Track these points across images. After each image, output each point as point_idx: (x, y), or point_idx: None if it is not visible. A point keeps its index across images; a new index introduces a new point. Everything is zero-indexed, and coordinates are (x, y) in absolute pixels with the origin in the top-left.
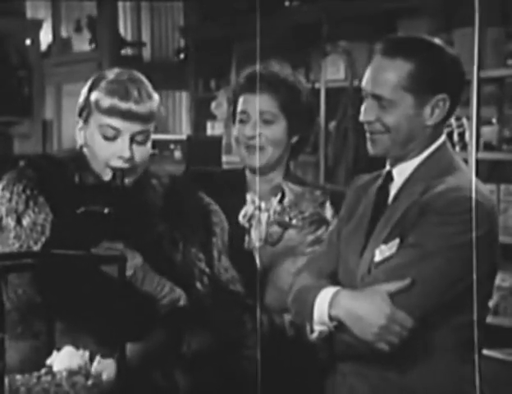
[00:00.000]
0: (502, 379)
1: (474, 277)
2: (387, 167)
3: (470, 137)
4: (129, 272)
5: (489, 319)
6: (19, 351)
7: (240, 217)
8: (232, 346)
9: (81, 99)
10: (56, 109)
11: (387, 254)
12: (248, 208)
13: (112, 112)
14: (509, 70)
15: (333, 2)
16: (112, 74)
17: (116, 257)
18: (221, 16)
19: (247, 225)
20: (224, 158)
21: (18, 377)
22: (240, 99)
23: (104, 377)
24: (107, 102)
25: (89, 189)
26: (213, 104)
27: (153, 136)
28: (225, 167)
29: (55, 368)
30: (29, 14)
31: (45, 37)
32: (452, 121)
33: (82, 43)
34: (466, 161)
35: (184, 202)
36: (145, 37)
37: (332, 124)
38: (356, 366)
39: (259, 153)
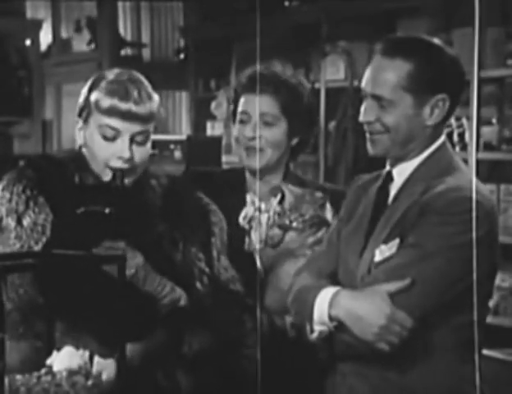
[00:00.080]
0: (502, 379)
1: (474, 277)
2: (387, 167)
3: (470, 137)
4: (130, 272)
5: (489, 319)
6: (19, 351)
7: (241, 219)
8: (232, 346)
9: (81, 99)
10: (56, 109)
11: (387, 254)
12: (248, 210)
13: (111, 112)
14: (509, 70)
15: (333, 2)
16: (111, 74)
17: (117, 257)
18: (221, 16)
19: (247, 226)
20: (224, 158)
21: (18, 377)
22: (242, 99)
23: (104, 377)
24: (106, 102)
25: (88, 189)
26: (213, 104)
27: (153, 136)
28: (225, 167)
29: (55, 368)
30: (29, 14)
31: (45, 37)
32: (452, 121)
33: (82, 44)
34: (466, 161)
35: (183, 202)
36: (145, 37)
37: (332, 124)
38: (356, 366)
39: (259, 155)
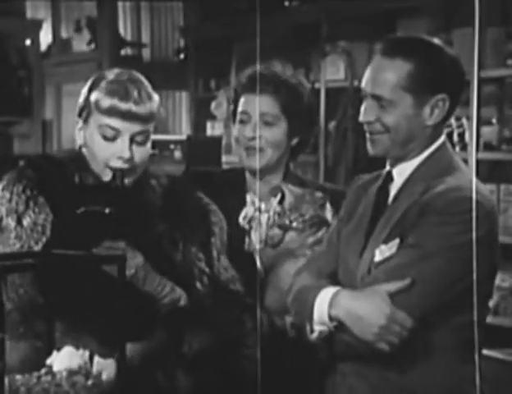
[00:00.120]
0: (502, 379)
1: (474, 277)
2: (387, 167)
3: (470, 137)
4: (130, 272)
5: (489, 319)
6: (19, 351)
7: (241, 219)
8: (232, 346)
9: (81, 99)
10: (56, 109)
11: (387, 254)
12: (248, 210)
13: (111, 112)
14: (509, 70)
15: (333, 2)
16: (111, 74)
17: (117, 257)
18: (221, 16)
19: (247, 226)
20: (224, 158)
21: (18, 377)
22: (242, 99)
23: (104, 377)
24: (106, 102)
25: (88, 189)
26: (213, 104)
27: (153, 136)
28: (225, 167)
29: (55, 368)
30: (29, 14)
31: (45, 37)
32: (452, 121)
33: (82, 44)
34: (466, 161)
35: (183, 202)
36: (145, 37)
37: (332, 124)
38: (356, 366)
39: (259, 155)
